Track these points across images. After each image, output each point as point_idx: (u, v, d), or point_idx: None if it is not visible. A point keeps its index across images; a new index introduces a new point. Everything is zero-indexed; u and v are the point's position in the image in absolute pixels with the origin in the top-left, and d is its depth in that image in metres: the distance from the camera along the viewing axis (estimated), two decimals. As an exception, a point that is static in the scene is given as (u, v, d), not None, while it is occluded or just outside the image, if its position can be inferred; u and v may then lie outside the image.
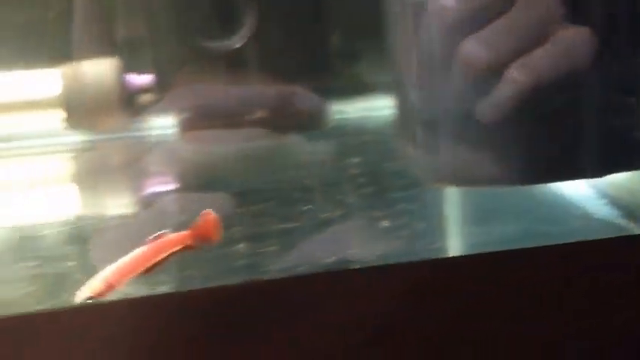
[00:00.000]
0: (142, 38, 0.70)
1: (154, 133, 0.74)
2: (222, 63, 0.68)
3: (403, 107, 0.44)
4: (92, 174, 0.71)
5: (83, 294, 0.31)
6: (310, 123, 0.65)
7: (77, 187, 0.69)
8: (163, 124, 0.73)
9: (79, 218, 0.60)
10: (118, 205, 0.65)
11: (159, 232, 0.34)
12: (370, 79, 0.71)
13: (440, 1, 0.40)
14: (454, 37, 0.38)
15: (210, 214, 0.35)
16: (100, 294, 0.31)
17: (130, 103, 0.72)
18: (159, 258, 0.34)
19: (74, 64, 0.72)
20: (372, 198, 0.49)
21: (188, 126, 0.70)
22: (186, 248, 0.35)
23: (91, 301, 0.31)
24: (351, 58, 0.73)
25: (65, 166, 0.75)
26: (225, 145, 0.67)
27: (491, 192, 0.43)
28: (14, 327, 0.29)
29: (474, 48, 0.38)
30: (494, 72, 0.38)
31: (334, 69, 0.71)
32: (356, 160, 0.59)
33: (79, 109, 0.72)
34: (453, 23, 0.39)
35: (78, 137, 0.74)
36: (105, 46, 0.72)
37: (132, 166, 0.73)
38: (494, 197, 0.45)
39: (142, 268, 0.33)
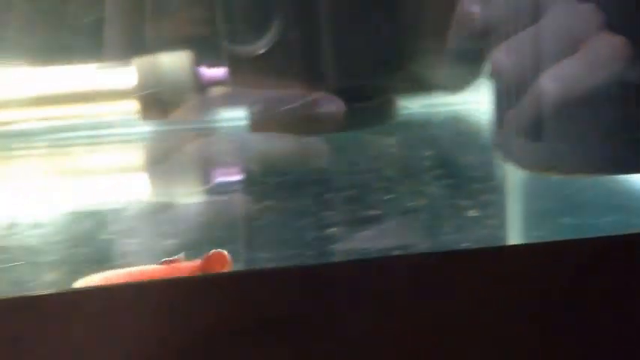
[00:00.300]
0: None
1: (225, 124, 0.77)
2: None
3: (503, 96, 0.45)
4: (163, 163, 0.73)
5: (78, 285, 0.32)
6: (331, 125, 0.67)
7: (148, 175, 0.71)
8: (234, 116, 0.76)
9: (150, 205, 0.61)
10: (187, 194, 0.66)
11: (173, 257, 0.35)
12: (432, 75, 0.73)
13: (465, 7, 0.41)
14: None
15: (223, 253, 0.35)
16: None
17: (202, 94, 0.74)
18: None
19: (149, 56, 0.75)
20: (454, 189, 0.51)
21: (259, 118, 0.72)
22: None
23: None
24: (416, 55, 0.74)
25: (138, 155, 0.77)
26: (293, 136, 0.69)
27: (579, 182, 0.44)
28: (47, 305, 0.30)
29: (502, 57, 0.39)
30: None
31: (400, 66, 0.73)
32: (428, 152, 0.60)
33: (153, 100, 0.74)
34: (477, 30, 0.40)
35: (150, 127, 0.76)
36: (176, 39, 0.74)
37: (201, 157, 0.75)
38: (581, 188, 0.46)
39: None
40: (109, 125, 0.76)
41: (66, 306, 0.30)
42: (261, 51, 0.82)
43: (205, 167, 0.72)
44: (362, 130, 0.68)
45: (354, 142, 0.65)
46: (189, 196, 0.65)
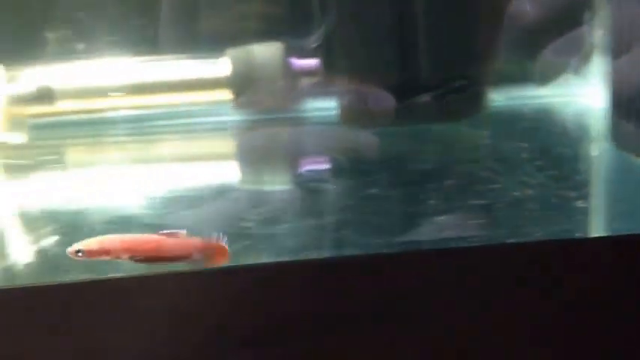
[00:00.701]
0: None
1: (316, 114, 0.78)
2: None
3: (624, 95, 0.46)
4: (254, 152, 0.75)
5: (75, 247, 0.32)
6: (381, 120, 0.68)
7: (239, 163, 0.73)
8: (325, 106, 0.77)
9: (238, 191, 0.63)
10: (276, 181, 0.68)
11: (174, 230, 0.35)
12: (521, 69, 0.73)
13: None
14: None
15: (224, 245, 0.35)
16: (91, 253, 0.32)
17: (294, 85, 0.76)
18: (160, 254, 0.34)
19: (242, 47, 0.77)
20: (558, 179, 0.51)
21: (349, 108, 0.74)
22: (187, 259, 0.35)
23: (79, 255, 0.32)
24: (503, 49, 0.74)
25: (229, 143, 0.79)
26: (382, 126, 0.70)
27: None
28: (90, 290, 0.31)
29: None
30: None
31: (488, 59, 0.73)
32: (524, 144, 0.61)
33: (245, 89, 0.77)
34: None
35: (243, 116, 0.79)
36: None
37: (292, 145, 0.77)
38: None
39: (140, 253, 0.33)
40: (203, 114, 0.79)
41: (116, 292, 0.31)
42: (314, 45, 0.84)
43: (294, 156, 0.73)
44: (453, 122, 0.69)
45: (447, 134, 0.66)
46: (280, 184, 0.67)
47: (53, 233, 0.46)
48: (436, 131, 0.66)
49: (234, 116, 0.78)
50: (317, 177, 0.66)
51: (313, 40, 0.77)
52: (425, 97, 0.68)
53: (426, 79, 0.69)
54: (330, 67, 0.75)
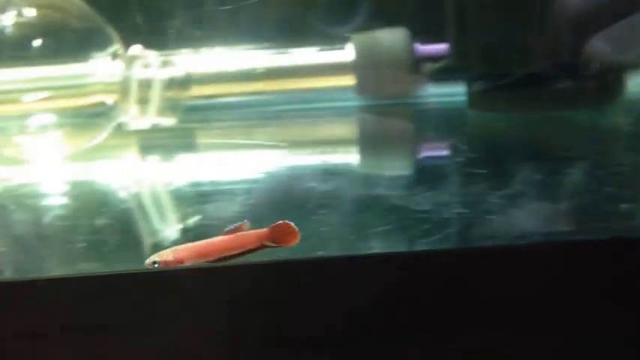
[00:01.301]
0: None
1: (441, 99, 0.78)
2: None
3: None
4: (375, 137, 0.74)
5: (152, 259, 0.33)
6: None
7: (360, 148, 0.73)
8: (451, 92, 0.76)
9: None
10: (394, 167, 0.67)
11: (238, 223, 0.35)
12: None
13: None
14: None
15: (290, 224, 0.35)
16: (167, 264, 0.33)
17: (417, 70, 0.76)
18: (233, 252, 0.35)
19: (367, 32, 0.76)
20: None
21: (479, 94, 0.73)
22: (260, 248, 0.35)
23: (156, 266, 0.32)
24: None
25: (351, 128, 0.79)
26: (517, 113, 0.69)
27: None
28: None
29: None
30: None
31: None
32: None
33: (369, 75, 0.76)
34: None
35: (365, 102, 0.78)
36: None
37: (410, 131, 0.77)
38: None
39: (214, 256, 0.34)
40: (327, 99, 0.79)
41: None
42: (346, 35, 0.83)
43: (414, 141, 0.73)
44: (591, 109, 0.67)
45: (586, 121, 0.64)
46: (399, 169, 0.66)
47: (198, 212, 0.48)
48: (574, 118, 0.65)
49: (357, 101, 0.78)
50: (434, 163, 0.65)
51: (349, 29, 0.77)
52: (563, 84, 0.67)
53: (564, 66, 0.68)
54: (458, 52, 0.74)
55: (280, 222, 0.36)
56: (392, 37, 0.76)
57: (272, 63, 0.77)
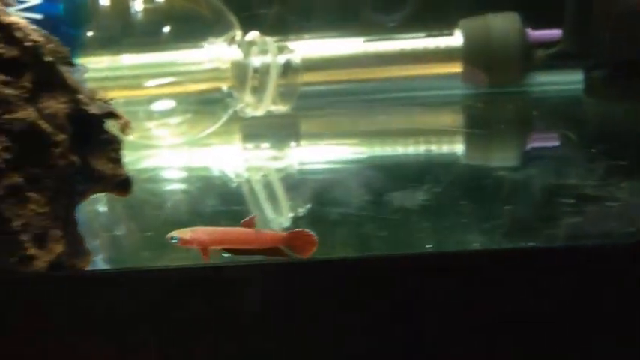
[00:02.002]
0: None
1: (554, 87, 0.76)
2: None
3: None
4: (481, 126, 0.72)
5: (171, 234, 0.33)
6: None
7: (465, 138, 0.71)
8: (566, 79, 0.74)
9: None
10: (501, 158, 0.65)
11: (250, 216, 0.34)
12: None
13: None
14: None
15: (312, 235, 0.34)
16: (183, 241, 0.33)
17: (529, 57, 0.73)
18: (248, 247, 0.34)
19: (477, 18, 0.75)
20: None
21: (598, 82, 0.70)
22: (273, 252, 0.34)
23: (174, 242, 0.32)
24: None
25: (456, 117, 0.78)
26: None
27: None
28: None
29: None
30: None
31: None
32: None
33: (478, 62, 0.74)
34: None
35: (472, 90, 0.77)
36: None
37: (518, 121, 0.75)
38: None
39: (229, 246, 0.34)
40: (433, 87, 0.78)
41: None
42: (393, 24, 0.83)
43: (522, 132, 0.71)
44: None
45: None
46: (506, 160, 0.64)
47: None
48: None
49: (463, 89, 0.76)
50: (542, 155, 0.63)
51: (398, 18, 0.75)
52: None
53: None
54: (573, 38, 0.72)
55: (300, 230, 0.35)
56: (503, 22, 0.74)
57: (378, 49, 0.76)
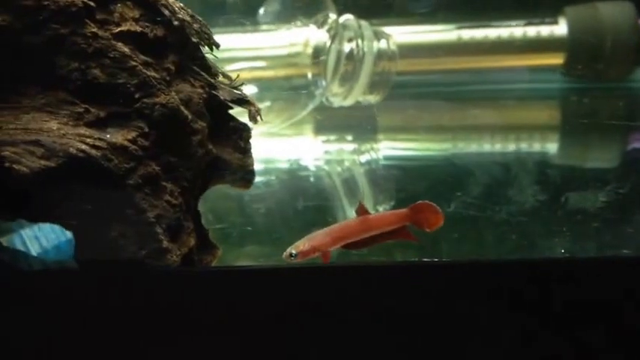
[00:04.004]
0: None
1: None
2: None
3: None
4: (579, 124, 0.66)
5: (288, 251, 0.31)
6: None
7: (561, 134, 0.65)
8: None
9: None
10: (597, 158, 0.59)
11: (360, 204, 0.32)
12: None
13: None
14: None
15: (434, 206, 0.32)
16: (304, 254, 0.31)
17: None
18: (369, 234, 0.33)
19: (586, 5, 0.68)
20: None
21: None
22: (401, 235, 0.33)
23: (293, 258, 0.31)
24: None
25: (553, 113, 0.72)
26: None
27: None
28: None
29: None
30: None
31: None
32: None
33: (583, 53, 0.68)
34: None
35: (576, 84, 0.70)
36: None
37: (620, 119, 0.68)
38: None
39: (352, 239, 0.32)
40: (527, 79, 0.71)
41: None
42: (423, 10, 0.75)
43: (624, 130, 0.65)
44: None
45: None
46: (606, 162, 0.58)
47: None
48: None
49: (563, 84, 0.70)
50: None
51: (424, 5, 0.69)
52: None
53: None
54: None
55: (421, 202, 0.33)
56: (616, 11, 0.67)
57: (473, 36, 0.69)
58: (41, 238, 0.37)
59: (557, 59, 0.70)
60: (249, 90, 0.62)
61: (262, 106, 0.60)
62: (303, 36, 0.60)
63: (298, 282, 0.28)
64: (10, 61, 0.25)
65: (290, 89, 0.60)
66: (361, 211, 0.32)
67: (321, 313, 0.27)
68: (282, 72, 0.60)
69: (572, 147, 0.62)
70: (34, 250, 0.38)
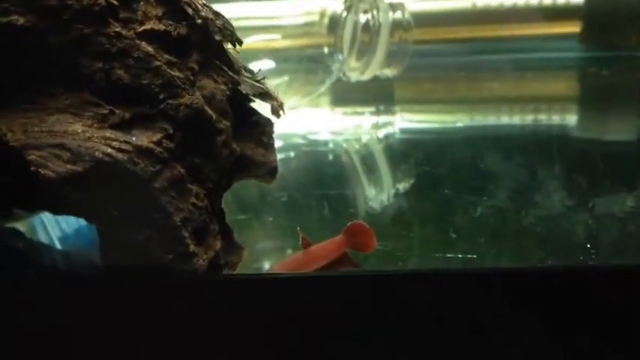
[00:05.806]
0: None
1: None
2: None
3: None
4: (598, 94, 0.65)
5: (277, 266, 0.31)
6: None
7: (580, 105, 0.64)
8: None
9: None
10: (621, 130, 0.58)
11: (302, 237, 0.31)
12: None
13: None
14: None
15: (363, 224, 0.31)
16: None
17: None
18: (318, 265, 0.31)
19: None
20: None
21: None
22: (343, 262, 0.32)
23: None
24: None
25: (571, 83, 0.70)
26: None
27: None
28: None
29: None
30: None
31: None
32: None
33: (601, 22, 0.67)
34: None
35: (590, 53, 0.69)
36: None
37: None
38: None
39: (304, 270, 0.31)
40: (543, 48, 0.70)
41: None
42: None
43: None
44: None
45: None
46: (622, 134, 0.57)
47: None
48: None
49: (580, 52, 0.69)
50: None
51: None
52: None
53: None
54: None
55: (353, 223, 0.32)
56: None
57: (489, 4, 0.68)
58: (61, 222, 0.37)
59: (574, 27, 0.69)
60: (266, 65, 0.61)
61: (280, 80, 0.60)
62: (319, 5, 0.59)
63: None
64: (34, 61, 0.24)
65: (307, 61, 0.59)
66: (304, 243, 0.31)
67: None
68: (297, 42, 0.59)
69: (593, 118, 0.61)
70: (54, 234, 0.38)
